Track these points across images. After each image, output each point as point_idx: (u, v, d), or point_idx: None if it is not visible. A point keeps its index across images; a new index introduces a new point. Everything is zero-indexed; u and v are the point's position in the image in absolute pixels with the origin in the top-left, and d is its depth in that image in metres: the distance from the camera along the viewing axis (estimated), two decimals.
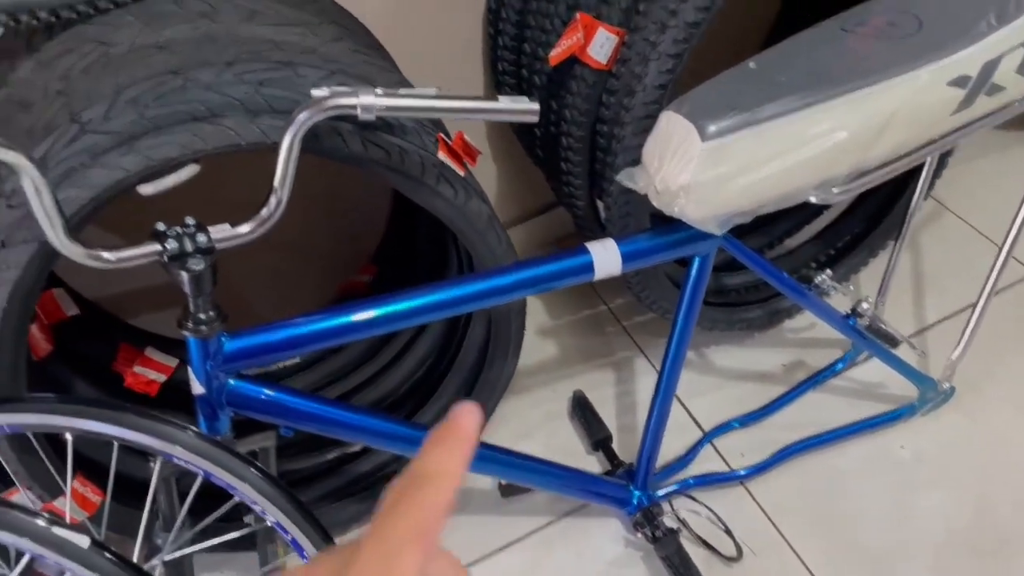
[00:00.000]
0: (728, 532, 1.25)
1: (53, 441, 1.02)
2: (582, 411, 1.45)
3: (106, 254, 0.78)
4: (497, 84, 1.39)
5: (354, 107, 0.83)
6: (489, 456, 1.13)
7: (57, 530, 0.84)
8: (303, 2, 1.11)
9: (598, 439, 1.40)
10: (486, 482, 1.41)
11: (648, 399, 1.49)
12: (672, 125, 0.91)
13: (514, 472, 1.18)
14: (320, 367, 1.47)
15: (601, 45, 1.08)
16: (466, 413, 0.37)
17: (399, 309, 0.92)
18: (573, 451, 1.44)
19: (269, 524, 0.93)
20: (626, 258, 0.99)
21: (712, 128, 0.88)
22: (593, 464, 1.42)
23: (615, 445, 1.41)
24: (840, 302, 1.35)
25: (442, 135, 1.04)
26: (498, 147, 1.59)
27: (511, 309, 1.19)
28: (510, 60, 1.31)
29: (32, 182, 0.71)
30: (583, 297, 1.67)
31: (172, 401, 1.33)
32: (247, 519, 1.14)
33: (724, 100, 0.91)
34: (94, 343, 1.32)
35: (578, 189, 1.24)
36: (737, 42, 1.67)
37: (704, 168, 0.89)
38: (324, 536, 0.96)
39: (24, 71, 0.97)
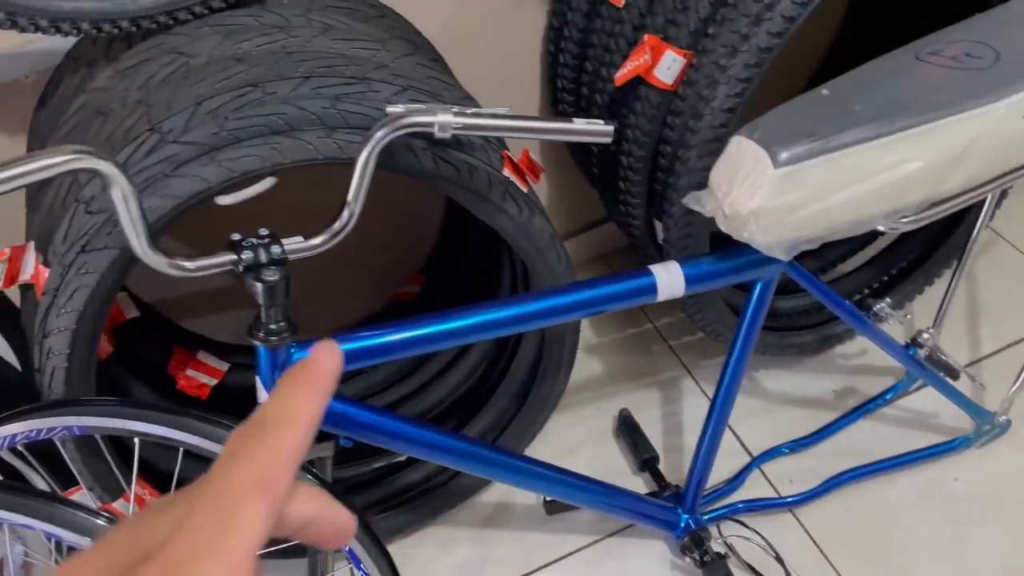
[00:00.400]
0: (779, 559, 1.24)
1: (114, 442, 1.04)
2: (628, 430, 1.45)
3: (186, 263, 0.80)
4: (554, 101, 1.40)
5: (431, 125, 0.83)
6: (535, 472, 1.12)
7: None
8: (372, 17, 1.12)
9: (645, 459, 1.40)
10: (530, 498, 1.41)
11: (694, 420, 1.49)
12: (743, 150, 0.91)
13: (561, 489, 1.17)
14: (368, 376, 1.48)
15: (668, 67, 1.08)
16: (325, 351, 0.32)
17: (465, 324, 0.93)
18: (618, 470, 1.44)
19: None
20: (689, 281, 0.99)
21: (785, 155, 0.88)
22: (638, 484, 1.41)
23: (661, 466, 1.40)
24: (891, 329, 1.33)
25: (507, 152, 1.05)
26: (548, 162, 1.60)
27: (566, 327, 1.19)
28: (570, 78, 1.32)
29: (121, 191, 0.72)
30: (629, 315, 1.67)
31: (221, 405, 1.35)
32: None
33: (797, 127, 0.90)
34: (149, 346, 1.34)
35: (635, 208, 1.23)
36: (791, 65, 1.66)
37: (775, 194, 0.89)
38: (380, 548, 0.96)
39: (102, 79, 0.99)
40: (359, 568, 0.94)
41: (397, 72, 0.99)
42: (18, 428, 0.87)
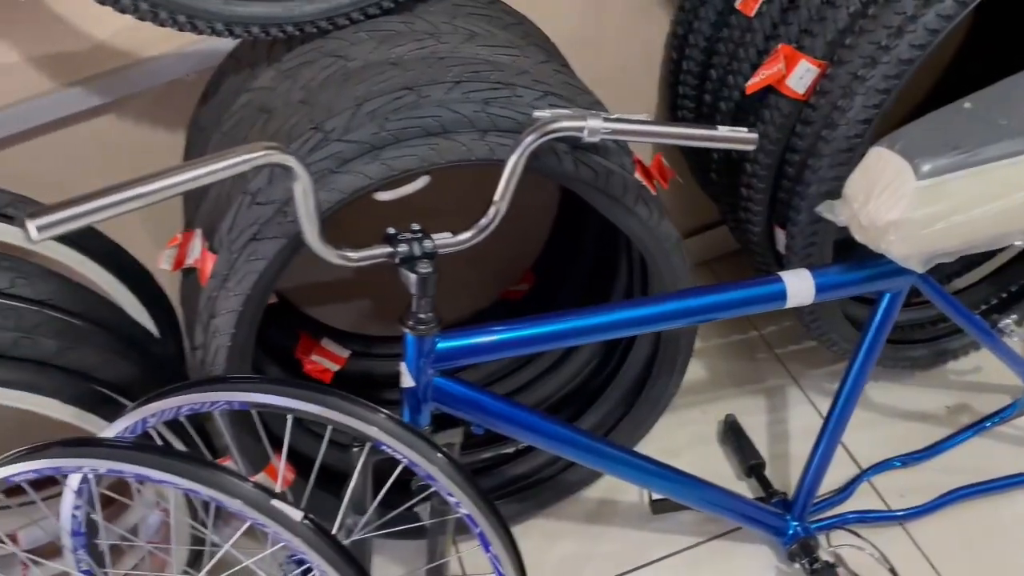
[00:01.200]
0: (893, 572, 1.23)
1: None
2: (734, 436, 1.46)
3: (351, 253, 0.85)
4: (674, 107, 1.42)
5: (580, 130, 0.87)
6: (648, 468, 1.15)
7: (275, 502, 0.91)
8: (510, 24, 1.17)
9: (751, 465, 1.40)
10: (634, 496, 1.44)
11: (801, 429, 1.49)
12: (883, 161, 0.92)
13: (672, 487, 1.20)
14: (477, 369, 1.52)
15: (801, 76, 1.09)
16: None
17: (600, 322, 0.96)
18: (722, 475, 1.45)
19: (460, 515, 0.98)
20: (819, 289, 1.00)
21: (927, 167, 0.89)
22: (742, 491, 1.42)
23: (767, 473, 1.40)
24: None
25: (638, 157, 1.08)
26: None
27: (682, 329, 1.22)
28: (692, 85, 1.34)
29: (302, 186, 0.78)
30: (733, 322, 1.67)
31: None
32: (418, 510, 1.20)
33: (940, 139, 0.91)
34: (280, 330, 1.42)
35: (756, 215, 1.25)
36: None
37: (916, 206, 0.90)
38: (506, 532, 1.00)
39: (265, 79, 1.06)
40: (487, 550, 0.99)
41: (537, 78, 1.04)
42: (185, 400, 0.94)
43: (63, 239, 1.09)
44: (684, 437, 1.51)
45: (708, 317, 1.02)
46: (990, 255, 1.54)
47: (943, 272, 1.55)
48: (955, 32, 1.64)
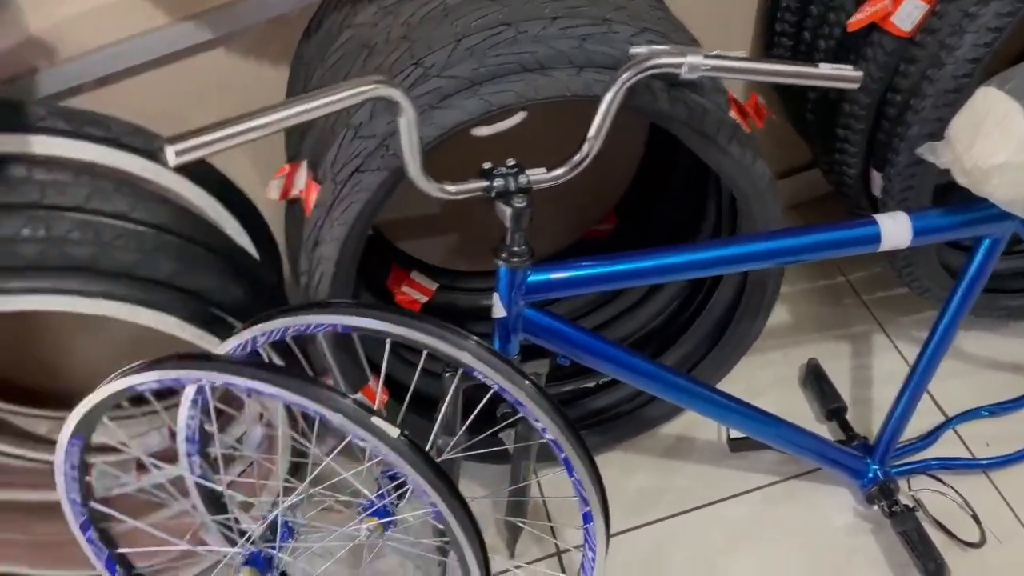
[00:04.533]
0: (976, 518, 1.23)
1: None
2: (816, 380, 1.46)
3: (449, 187, 0.89)
4: (770, 44, 1.39)
5: (679, 66, 0.87)
6: (731, 406, 1.17)
7: (374, 418, 0.97)
8: None
9: (832, 408, 1.41)
10: (711, 434, 1.46)
11: (885, 375, 1.48)
12: (990, 101, 0.89)
13: (753, 425, 1.22)
14: (568, 302, 1.54)
15: (909, 13, 1.06)
16: None
17: (689, 260, 0.98)
18: (802, 418, 1.45)
19: (547, 440, 1.02)
20: (917, 232, 0.99)
21: None
22: (822, 433, 1.42)
23: (848, 417, 1.41)
24: None
25: (733, 94, 1.07)
26: None
27: (770, 271, 1.22)
28: (791, 21, 1.30)
29: (407, 120, 0.81)
30: (821, 267, 1.66)
31: None
32: (502, 436, 1.25)
33: None
34: (374, 261, 1.48)
35: (852, 157, 1.23)
36: None
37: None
38: (589, 457, 1.05)
39: (366, 16, 1.09)
40: (571, 474, 1.03)
41: (633, 14, 1.04)
42: (292, 322, 1.00)
43: (179, 169, 1.16)
44: (767, 379, 1.51)
45: (798, 258, 1.02)
46: None
47: None
48: None
